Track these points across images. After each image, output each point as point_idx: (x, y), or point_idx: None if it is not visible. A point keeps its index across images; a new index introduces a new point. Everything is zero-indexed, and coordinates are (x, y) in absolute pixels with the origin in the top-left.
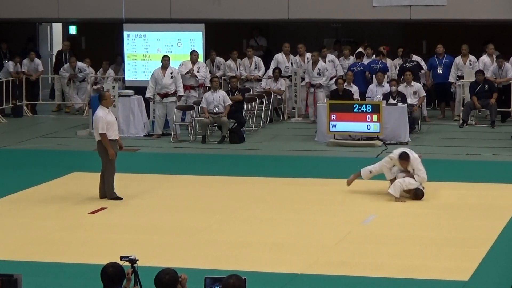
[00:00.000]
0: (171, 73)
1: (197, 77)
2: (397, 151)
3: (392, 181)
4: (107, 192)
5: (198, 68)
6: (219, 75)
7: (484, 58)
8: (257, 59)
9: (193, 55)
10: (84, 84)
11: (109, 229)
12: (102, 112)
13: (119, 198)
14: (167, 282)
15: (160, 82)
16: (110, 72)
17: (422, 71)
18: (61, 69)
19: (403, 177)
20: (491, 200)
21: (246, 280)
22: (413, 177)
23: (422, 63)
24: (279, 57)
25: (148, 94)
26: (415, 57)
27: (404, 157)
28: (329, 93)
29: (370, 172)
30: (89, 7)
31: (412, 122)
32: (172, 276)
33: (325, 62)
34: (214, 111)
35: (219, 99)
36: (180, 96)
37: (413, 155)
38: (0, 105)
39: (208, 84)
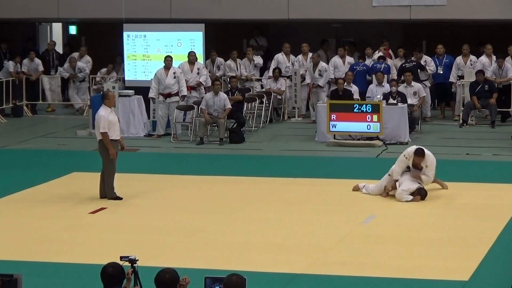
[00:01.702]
0: (174, 73)
1: (202, 84)
2: (411, 148)
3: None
4: (107, 192)
5: (198, 69)
6: (219, 75)
7: (483, 58)
8: (257, 59)
9: (191, 55)
10: (84, 84)
11: (109, 229)
12: (104, 112)
13: (119, 198)
14: (166, 281)
15: (163, 82)
16: (114, 74)
17: (430, 71)
18: (61, 69)
19: (408, 178)
20: (491, 200)
21: (246, 280)
22: (416, 179)
23: (432, 63)
24: (280, 57)
25: (152, 94)
26: (425, 57)
27: (419, 153)
28: (329, 93)
29: (396, 179)
30: (89, 7)
31: (412, 122)
32: (171, 275)
33: (344, 63)
34: (214, 114)
35: (219, 103)
36: (184, 96)
37: (428, 152)
38: (0, 105)
39: (208, 84)
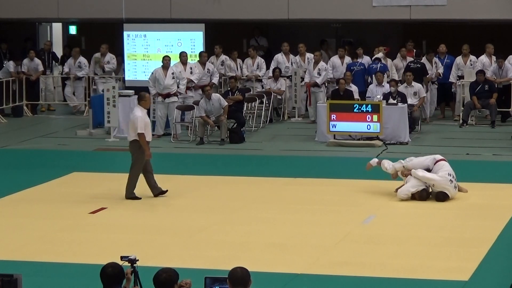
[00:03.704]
0: (173, 73)
1: (193, 82)
2: (444, 182)
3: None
4: (127, 190)
5: (191, 68)
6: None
7: (483, 58)
8: (259, 60)
9: (182, 56)
10: (81, 83)
11: (109, 229)
12: (141, 113)
13: (138, 198)
14: (163, 281)
15: (162, 82)
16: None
17: (440, 71)
18: (65, 64)
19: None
20: (491, 200)
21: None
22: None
23: (440, 65)
24: (279, 57)
25: (153, 91)
26: (434, 58)
27: (441, 200)
28: (330, 93)
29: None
30: (89, 7)
31: (412, 122)
32: (168, 275)
33: (342, 64)
34: (213, 117)
35: (215, 105)
36: (180, 93)
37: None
38: (0, 105)
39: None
